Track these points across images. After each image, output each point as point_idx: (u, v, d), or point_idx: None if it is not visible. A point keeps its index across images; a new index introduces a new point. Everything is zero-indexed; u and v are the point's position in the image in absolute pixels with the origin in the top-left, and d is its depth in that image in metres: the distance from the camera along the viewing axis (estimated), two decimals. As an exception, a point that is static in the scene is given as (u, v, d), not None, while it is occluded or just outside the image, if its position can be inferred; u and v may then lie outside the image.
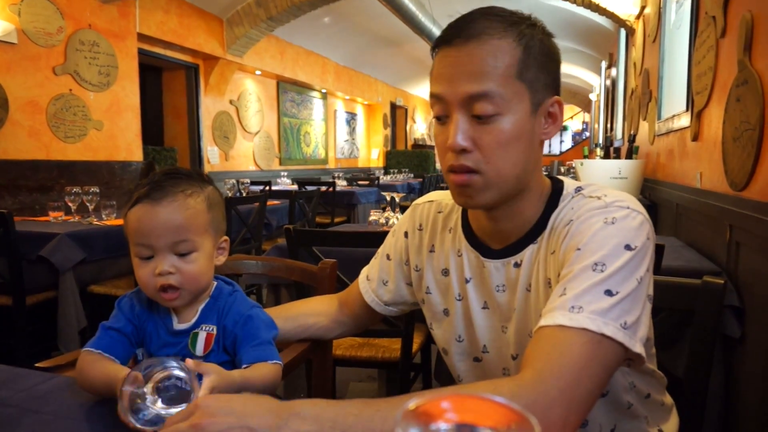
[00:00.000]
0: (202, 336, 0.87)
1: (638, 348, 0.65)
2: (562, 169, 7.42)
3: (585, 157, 4.22)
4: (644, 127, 4.22)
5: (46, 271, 2.48)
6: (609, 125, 7.38)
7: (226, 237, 0.93)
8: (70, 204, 3.09)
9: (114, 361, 0.82)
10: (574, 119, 19.37)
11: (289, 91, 8.84)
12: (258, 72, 7.76)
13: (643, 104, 4.20)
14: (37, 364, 0.92)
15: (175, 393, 0.65)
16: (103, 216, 2.99)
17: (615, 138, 6.39)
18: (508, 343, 0.86)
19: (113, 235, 2.75)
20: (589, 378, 0.62)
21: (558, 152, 16.68)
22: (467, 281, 0.89)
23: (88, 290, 2.69)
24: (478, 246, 0.87)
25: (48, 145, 4.27)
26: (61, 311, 2.46)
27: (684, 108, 2.79)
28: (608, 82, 7.53)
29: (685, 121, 2.74)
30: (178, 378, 0.66)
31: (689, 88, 2.68)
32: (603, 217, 0.72)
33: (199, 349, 0.87)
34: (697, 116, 2.47)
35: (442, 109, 0.77)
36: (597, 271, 0.67)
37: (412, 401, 0.33)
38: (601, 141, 8.05)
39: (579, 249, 0.71)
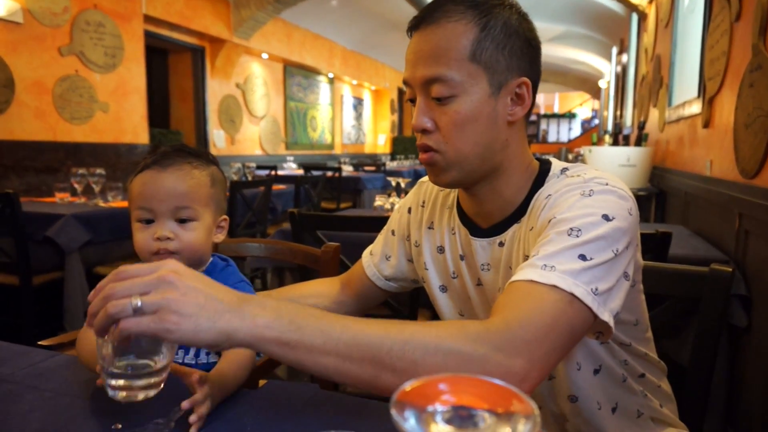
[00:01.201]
0: None
1: (606, 317, 0.65)
2: (570, 157, 7.36)
3: (593, 144, 4.18)
4: (654, 114, 4.17)
5: (52, 252, 2.50)
6: (619, 112, 7.30)
7: (225, 216, 0.94)
8: (76, 185, 3.10)
9: None
10: (583, 106, 19.19)
11: (295, 75, 8.79)
12: (264, 55, 7.72)
13: (654, 91, 4.14)
14: (39, 342, 0.92)
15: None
16: (109, 198, 3.00)
17: (624, 125, 6.33)
18: None
19: (119, 217, 2.76)
20: (555, 336, 0.62)
21: (566, 140, 16.56)
22: (461, 258, 0.90)
23: (94, 271, 2.70)
24: (468, 224, 0.88)
25: (54, 127, 4.27)
26: (67, 291, 2.48)
27: (695, 94, 2.75)
28: (619, 69, 7.44)
29: (696, 107, 2.70)
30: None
31: (701, 73, 2.64)
32: (580, 191, 0.73)
33: None
34: (709, 102, 2.43)
35: (410, 92, 0.81)
36: (572, 236, 0.67)
37: (408, 383, 0.32)
38: (610, 128, 7.97)
39: (555, 217, 0.71)
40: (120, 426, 0.62)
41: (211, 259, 0.93)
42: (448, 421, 0.30)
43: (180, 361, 0.92)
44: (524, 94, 0.78)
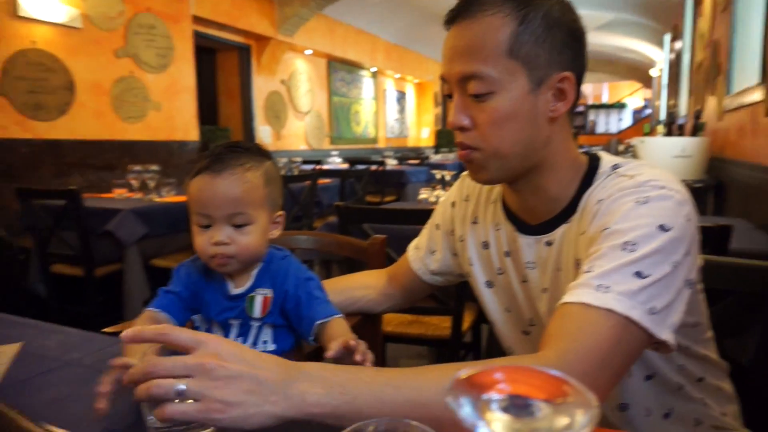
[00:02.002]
0: (258, 299, 0.91)
1: (665, 335, 0.62)
2: (620, 148, 7.12)
3: (646, 134, 4.03)
4: (711, 102, 3.98)
5: (112, 245, 2.63)
6: (672, 101, 7.00)
7: (281, 212, 0.96)
8: (132, 182, 3.24)
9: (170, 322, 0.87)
10: (633, 96, 18.49)
11: (339, 70, 8.85)
12: (308, 51, 7.81)
13: (711, 78, 3.95)
14: (103, 329, 0.97)
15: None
16: (163, 193, 3.12)
17: (679, 115, 6.06)
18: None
19: (173, 211, 2.86)
20: (612, 363, 0.60)
21: (616, 131, 16.01)
22: (507, 254, 0.88)
23: (151, 263, 2.83)
24: (514, 220, 0.86)
25: (111, 126, 4.47)
26: (127, 282, 2.61)
27: (757, 81, 2.61)
28: (672, 56, 7.13)
29: (757, 95, 2.56)
30: None
31: (764, 59, 2.50)
32: (634, 197, 0.68)
33: (257, 311, 0.91)
34: (773, 89, 2.30)
35: (447, 88, 0.79)
36: (627, 251, 0.64)
37: (464, 371, 0.32)
38: (663, 118, 7.66)
39: (607, 228, 0.67)
40: None
41: (268, 251, 0.94)
42: (504, 410, 0.30)
43: None
44: (567, 89, 0.75)
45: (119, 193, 3.21)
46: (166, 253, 2.95)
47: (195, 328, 0.98)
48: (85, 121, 4.24)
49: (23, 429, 0.57)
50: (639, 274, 0.62)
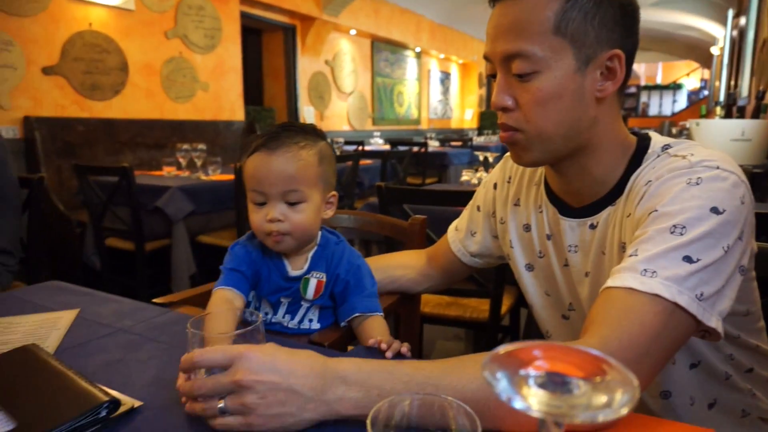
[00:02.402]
0: (312, 282, 0.93)
1: (714, 322, 0.60)
2: (674, 131, 6.81)
3: (702, 117, 3.84)
4: (776, 82, 3.74)
5: (161, 221, 2.73)
6: (733, 82, 6.63)
7: (334, 192, 0.97)
8: (180, 160, 3.34)
9: (233, 314, 0.79)
10: (690, 77, 17.61)
11: (383, 50, 8.79)
12: (353, 31, 7.78)
13: (777, 56, 3.71)
14: (153, 300, 1.02)
15: None
16: (209, 171, 3.20)
17: (739, 96, 5.74)
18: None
19: (219, 189, 2.94)
20: (656, 351, 0.58)
21: (670, 113, 15.33)
22: (548, 237, 0.86)
23: (197, 240, 2.92)
24: (557, 202, 0.84)
25: (161, 106, 4.60)
26: (175, 257, 2.71)
27: (829, 59, 2.43)
28: (735, 33, 6.73)
29: (829, 74, 2.39)
30: None
31: (838, 35, 2.32)
32: (686, 178, 0.65)
33: (310, 293, 0.93)
34: None
35: (491, 68, 0.77)
36: (676, 234, 0.61)
37: (502, 347, 0.32)
38: (722, 99, 7.27)
39: (656, 210, 0.65)
40: None
41: (321, 232, 0.96)
42: (541, 386, 0.30)
43: (286, 324, 0.98)
44: (616, 68, 0.71)
45: (168, 170, 3.32)
46: (211, 230, 3.04)
47: (247, 303, 1.01)
48: (137, 101, 4.38)
49: (81, 387, 0.60)
50: (688, 259, 0.60)
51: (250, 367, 0.56)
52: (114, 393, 0.60)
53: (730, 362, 0.78)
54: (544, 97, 0.71)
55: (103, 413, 0.57)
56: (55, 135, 3.72)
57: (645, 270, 0.60)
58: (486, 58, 0.77)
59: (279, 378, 0.56)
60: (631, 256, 0.63)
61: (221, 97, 5.20)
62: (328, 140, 0.97)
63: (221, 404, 0.55)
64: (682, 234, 0.61)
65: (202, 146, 3.40)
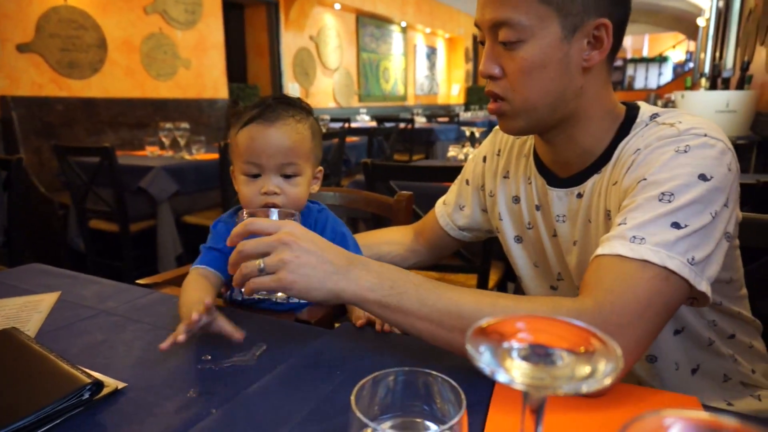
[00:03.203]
0: None
1: (704, 287, 0.61)
2: (659, 104, 6.83)
3: (687, 89, 3.85)
4: (761, 53, 3.75)
5: (145, 202, 2.69)
6: (718, 53, 6.64)
7: (321, 167, 0.97)
8: (163, 139, 3.28)
9: (209, 286, 0.85)
10: (676, 49, 17.59)
11: (368, 25, 8.65)
12: (337, 6, 7.63)
13: (763, 26, 3.71)
14: (137, 281, 1.00)
15: None
16: (193, 151, 3.15)
17: (724, 67, 5.75)
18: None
19: (203, 169, 2.90)
20: (649, 317, 0.59)
21: (656, 86, 15.35)
22: (537, 208, 0.87)
23: (182, 220, 2.89)
24: (545, 173, 0.84)
25: (143, 84, 4.50)
26: (160, 238, 2.68)
27: (813, 29, 2.43)
28: (721, 4, 6.71)
29: (813, 44, 2.40)
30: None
31: (822, 4, 2.32)
32: (675, 146, 0.66)
33: None
34: (830, 37, 2.14)
35: (481, 35, 0.77)
36: (664, 201, 0.62)
37: (485, 319, 0.32)
38: (707, 71, 7.28)
39: (645, 179, 0.65)
40: (209, 357, 0.67)
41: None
42: (525, 358, 0.29)
43: (274, 300, 0.97)
44: (603, 37, 0.71)
45: (151, 150, 3.27)
46: (196, 210, 3.01)
47: (230, 287, 1.00)
48: (117, 79, 4.28)
49: (62, 370, 0.59)
50: (676, 225, 0.61)
51: (294, 231, 0.65)
52: (97, 375, 0.59)
53: (713, 328, 0.79)
54: (529, 66, 0.71)
55: (86, 395, 0.56)
56: (33, 115, 3.63)
57: (634, 237, 0.61)
58: (476, 24, 0.76)
59: (315, 247, 0.64)
60: (620, 224, 0.64)
61: (204, 75, 5.10)
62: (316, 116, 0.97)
63: (261, 264, 0.63)
64: (670, 201, 0.62)
65: (185, 125, 3.35)
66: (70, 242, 2.92)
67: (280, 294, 0.67)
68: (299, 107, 0.92)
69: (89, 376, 0.58)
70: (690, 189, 0.62)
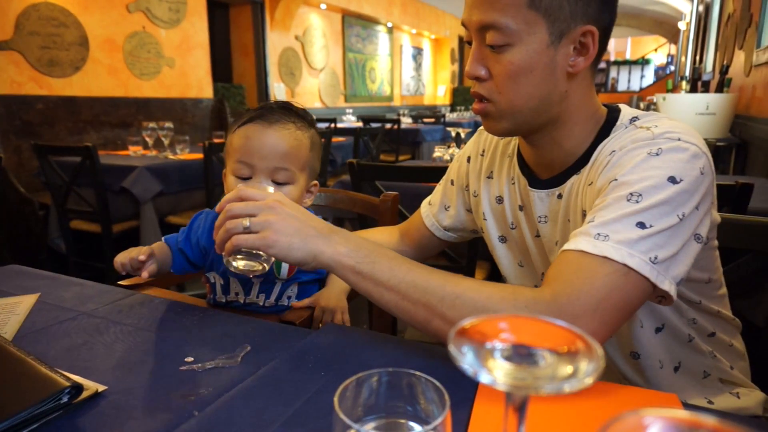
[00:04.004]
0: (286, 263, 0.91)
1: (667, 285, 0.62)
2: (641, 106, 6.92)
3: (669, 91, 3.90)
4: (740, 57, 3.82)
5: (128, 202, 2.66)
6: (698, 56, 6.75)
7: (316, 182, 0.95)
8: (147, 139, 3.24)
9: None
10: (658, 52, 17.84)
11: (354, 25, 8.65)
12: (323, 6, 7.62)
13: (741, 31, 3.78)
14: (119, 282, 0.99)
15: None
16: (177, 150, 3.12)
17: (704, 71, 5.85)
18: None
19: (188, 168, 2.87)
20: (605, 310, 0.60)
21: (638, 88, 15.55)
22: (520, 209, 0.87)
23: (166, 220, 2.86)
24: (528, 174, 0.85)
25: (126, 83, 4.45)
26: (143, 239, 2.65)
27: (790, 33, 2.48)
28: (701, 8, 6.82)
29: (790, 48, 2.45)
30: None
31: (799, 9, 2.37)
32: (648, 149, 0.67)
33: (284, 273, 0.92)
34: (806, 42, 2.19)
35: (468, 35, 0.77)
36: (632, 201, 0.63)
37: (468, 320, 0.32)
38: (688, 74, 7.40)
39: (616, 179, 0.67)
40: (192, 359, 0.67)
41: None
42: (507, 359, 0.30)
43: (261, 304, 0.97)
44: (589, 44, 0.71)
45: (134, 150, 3.23)
46: (180, 210, 2.98)
47: (211, 284, 1.00)
48: (100, 78, 4.22)
49: (40, 373, 0.58)
50: (641, 225, 0.62)
51: (281, 199, 0.70)
52: (76, 378, 0.58)
53: (693, 326, 0.81)
54: (516, 70, 0.71)
55: (65, 399, 0.55)
56: (13, 113, 3.57)
57: (598, 234, 0.62)
58: (463, 24, 0.77)
59: (300, 214, 0.69)
60: (588, 222, 0.65)
61: (188, 74, 5.05)
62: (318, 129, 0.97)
63: (247, 221, 0.66)
64: (638, 201, 0.63)
65: (169, 124, 3.31)
66: (50, 243, 2.88)
67: (257, 267, 0.71)
68: (303, 117, 0.90)
69: (68, 379, 0.57)
70: (658, 191, 0.63)
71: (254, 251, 0.70)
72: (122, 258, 0.89)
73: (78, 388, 0.56)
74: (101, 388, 0.60)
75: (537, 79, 0.72)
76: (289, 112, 0.88)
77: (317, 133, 0.94)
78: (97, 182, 2.52)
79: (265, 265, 0.72)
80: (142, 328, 0.77)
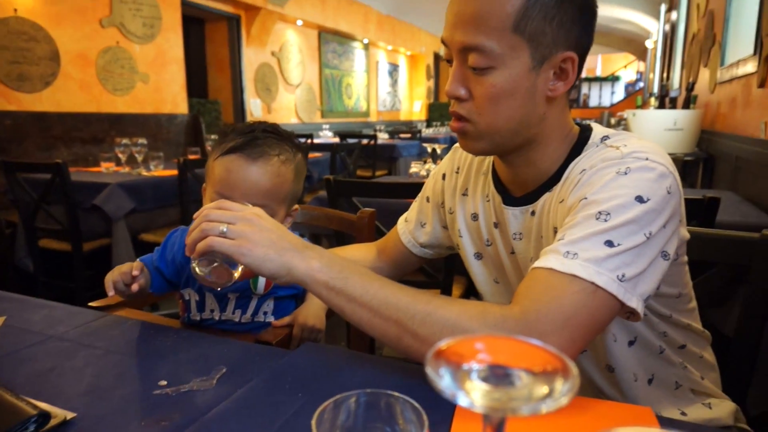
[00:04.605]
0: (262, 278, 0.90)
1: (634, 303, 0.63)
2: (612, 121, 7.10)
3: (638, 107, 4.01)
4: (704, 74, 3.95)
5: (100, 220, 2.60)
6: (666, 74, 6.97)
7: (297, 206, 0.94)
8: (120, 155, 3.19)
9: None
10: (627, 69, 18.37)
11: (330, 41, 8.70)
12: (299, 22, 7.65)
13: (705, 49, 3.92)
14: (90, 303, 0.96)
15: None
16: (151, 167, 3.07)
17: (671, 87, 6.03)
18: None
19: (161, 185, 2.83)
20: (573, 327, 0.61)
21: (609, 104, 15.95)
22: (495, 226, 0.88)
23: (139, 238, 2.80)
24: (502, 192, 0.86)
25: (98, 98, 4.38)
26: (115, 257, 2.59)
27: (751, 52, 2.59)
28: (667, 27, 7.06)
29: (751, 66, 2.54)
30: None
31: (759, 30, 2.47)
32: (616, 168, 0.68)
33: (260, 288, 0.91)
34: (766, 61, 2.28)
35: (448, 53, 0.77)
36: (600, 220, 0.64)
37: (444, 342, 0.32)
38: (656, 91, 7.62)
39: (586, 198, 0.68)
40: (165, 383, 0.65)
41: None
42: (484, 380, 0.30)
43: (237, 320, 0.95)
44: (569, 70, 0.73)
45: (107, 166, 3.16)
46: (154, 227, 2.93)
47: (186, 301, 0.98)
48: (71, 93, 4.15)
49: (4, 402, 0.56)
50: (609, 243, 0.63)
51: (260, 213, 0.71)
52: (43, 405, 0.57)
53: (664, 338, 0.82)
54: (497, 93, 0.72)
55: (31, 428, 0.53)
56: (-21, 130, 3.48)
57: (567, 252, 0.63)
58: (443, 42, 0.77)
59: (276, 228, 0.70)
60: (558, 240, 0.66)
61: (162, 89, 5.00)
62: (305, 151, 0.95)
63: (224, 227, 0.67)
64: (606, 220, 0.64)
65: (142, 140, 3.26)
66: (17, 263, 2.79)
67: (224, 277, 0.71)
68: (289, 143, 0.89)
69: (35, 407, 0.55)
70: (626, 210, 0.64)
71: (224, 260, 0.70)
72: (113, 276, 0.88)
73: (45, 417, 0.55)
74: (70, 415, 0.58)
75: (517, 102, 0.73)
76: (275, 140, 0.87)
77: (303, 157, 0.92)
78: (67, 199, 2.46)
79: (234, 276, 0.72)
80: (114, 351, 0.75)
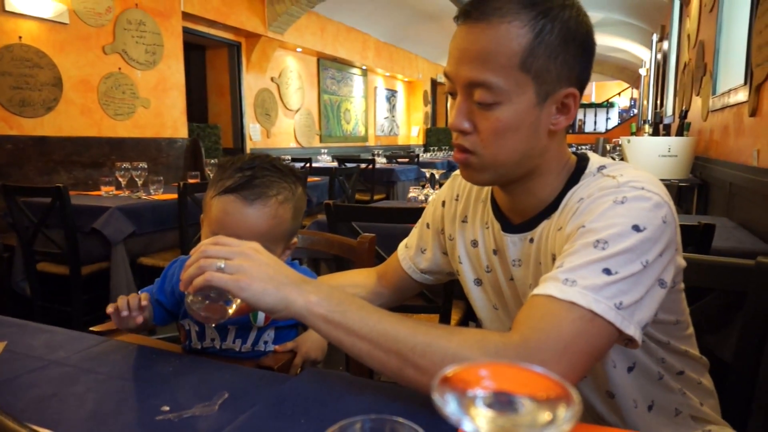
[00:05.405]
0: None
1: (632, 330, 0.64)
2: (608, 147, 7.18)
3: (632, 134, 4.07)
4: (697, 102, 4.02)
5: (99, 243, 2.60)
6: (659, 101, 7.07)
7: (295, 239, 0.94)
8: (120, 179, 3.21)
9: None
10: (621, 96, 18.63)
11: (329, 68, 8.83)
12: (299, 49, 7.78)
13: (697, 78, 3.99)
14: (91, 328, 0.97)
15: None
16: (151, 191, 3.09)
17: (665, 115, 6.12)
18: None
19: (161, 209, 2.84)
20: (572, 355, 0.61)
21: (604, 130, 16.12)
22: (495, 252, 0.89)
23: (138, 262, 2.80)
24: (501, 219, 0.87)
25: (99, 123, 4.42)
26: (113, 281, 2.58)
27: (741, 82, 2.64)
28: (659, 56, 7.19)
29: (742, 95, 2.60)
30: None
31: (748, 60, 2.53)
32: (613, 197, 0.70)
33: (260, 320, 0.91)
34: (756, 90, 2.33)
35: (450, 86, 0.78)
36: (598, 248, 0.66)
37: (449, 368, 0.33)
38: (650, 118, 7.73)
39: (584, 226, 0.69)
40: (168, 408, 0.65)
41: None
42: (489, 406, 0.30)
43: (237, 349, 0.95)
44: (570, 105, 0.75)
45: (107, 190, 3.18)
46: (153, 251, 2.93)
47: (186, 331, 0.98)
48: (73, 118, 4.19)
49: (7, 428, 0.56)
50: (607, 271, 0.64)
51: (257, 248, 0.71)
52: None
53: (662, 365, 0.83)
54: (503, 127, 0.73)
55: (35, 454, 0.53)
56: (-20, 154, 3.50)
57: (566, 279, 0.64)
58: (447, 75, 0.78)
59: (273, 263, 0.70)
60: (557, 267, 0.67)
61: (163, 114, 5.05)
62: (304, 183, 0.94)
63: (221, 263, 0.67)
64: (604, 249, 0.65)
65: (143, 164, 3.28)
66: (14, 287, 2.78)
67: (219, 312, 0.71)
68: (289, 178, 0.87)
69: (39, 432, 0.55)
70: (623, 238, 0.66)
71: (219, 296, 0.70)
72: (119, 302, 0.88)
73: (49, 442, 0.55)
74: (73, 441, 0.58)
75: (521, 137, 0.74)
76: (274, 177, 0.85)
77: (303, 192, 0.91)
78: (67, 223, 2.47)
79: (228, 312, 0.72)
80: (116, 377, 0.75)
